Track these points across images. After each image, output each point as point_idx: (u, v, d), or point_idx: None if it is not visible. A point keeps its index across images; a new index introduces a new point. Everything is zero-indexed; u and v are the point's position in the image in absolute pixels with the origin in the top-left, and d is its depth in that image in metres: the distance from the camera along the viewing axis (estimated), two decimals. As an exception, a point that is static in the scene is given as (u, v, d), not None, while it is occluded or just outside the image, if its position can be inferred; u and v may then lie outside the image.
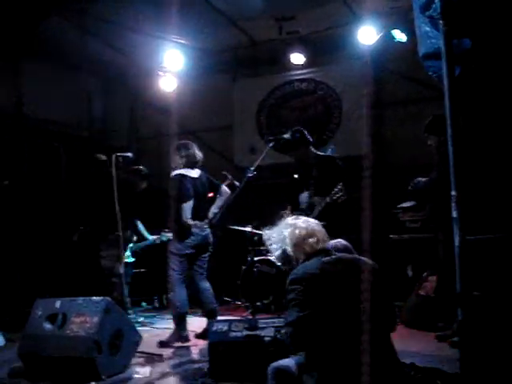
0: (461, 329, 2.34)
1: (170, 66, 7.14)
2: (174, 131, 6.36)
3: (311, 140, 4.73)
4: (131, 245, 6.23)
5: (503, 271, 3.07)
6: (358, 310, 2.22)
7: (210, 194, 5.16)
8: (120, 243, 4.93)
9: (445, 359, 3.65)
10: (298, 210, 4.50)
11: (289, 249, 2.52)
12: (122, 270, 5.04)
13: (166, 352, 4.43)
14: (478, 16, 2.54)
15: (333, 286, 2.29)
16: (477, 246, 2.43)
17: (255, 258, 6.22)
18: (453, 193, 2.34)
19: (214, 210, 4.98)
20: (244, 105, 8.16)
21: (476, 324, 2.37)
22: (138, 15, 6.16)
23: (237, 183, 5.21)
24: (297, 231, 2.53)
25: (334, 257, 2.43)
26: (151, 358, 4.20)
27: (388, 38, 6.18)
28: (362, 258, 2.47)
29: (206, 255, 5.00)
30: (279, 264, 2.63)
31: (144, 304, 7.01)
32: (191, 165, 4.95)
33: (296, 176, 4.82)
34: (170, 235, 5.41)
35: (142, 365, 4.04)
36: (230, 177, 5.46)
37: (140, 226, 6.40)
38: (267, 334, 3.49)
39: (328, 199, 4.25)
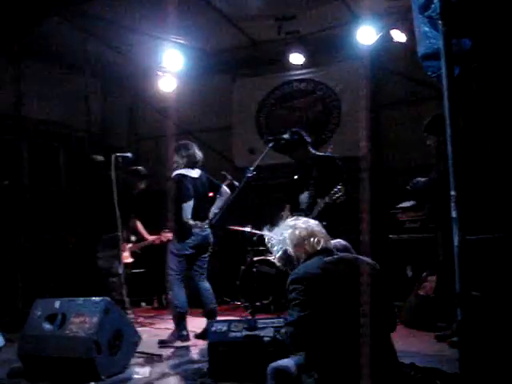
0: (460, 329, 2.35)
1: (170, 66, 7.11)
2: (173, 131, 6.35)
3: (309, 141, 4.73)
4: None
5: (503, 271, 3.08)
6: (359, 310, 2.21)
7: (210, 194, 5.16)
8: (119, 243, 4.92)
9: (444, 359, 3.66)
10: (297, 211, 4.50)
11: (290, 249, 2.51)
12: (120, 270, 5.04)
13: (166, 352, 4.44)
14: (477, 16, 2.54)
15: (334, 286, 2.29)
16: (476, 245, 2.43)
17: (254, 258, 6.22)
18: (452, 193, 2.34)
19: (214, 210, 4.98)
20: (243, 105, 8.16)
21: (475, 324, 2.37)
22: (137, 15, 6.15)
23: (236, 183, 5.20)
24: (297, 232, 2.53)
25: (335, 256, 2.42)
26: (151, 358, 4.20)
27: (387, 38, 6.19)
28: (364, 258, 2.47)
29: (206, 255, 5.01)
30: (281, 265, 2.62)
31: (143, 304, 7.01)
32: (191, 165, 4.95)
33: (296, 177, 4.82)
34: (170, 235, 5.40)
35: (142, 365, 4.04)
36: (229, 177, 5.45)
37: (140, 226, 6.39)
38: (267, 334, 3.49)
39: (327, 199, 4.25)
